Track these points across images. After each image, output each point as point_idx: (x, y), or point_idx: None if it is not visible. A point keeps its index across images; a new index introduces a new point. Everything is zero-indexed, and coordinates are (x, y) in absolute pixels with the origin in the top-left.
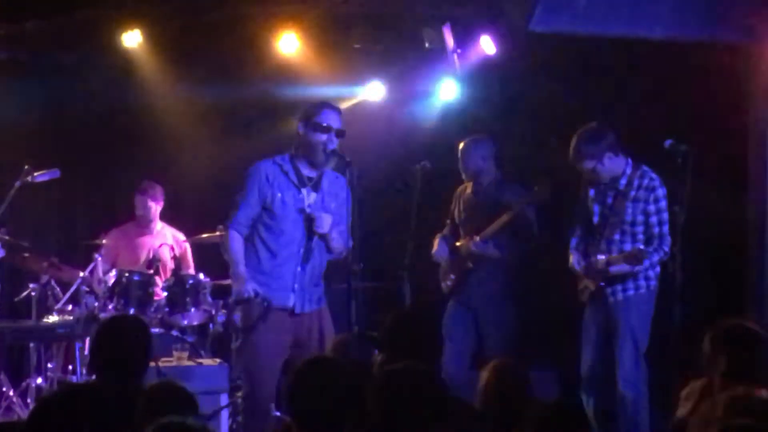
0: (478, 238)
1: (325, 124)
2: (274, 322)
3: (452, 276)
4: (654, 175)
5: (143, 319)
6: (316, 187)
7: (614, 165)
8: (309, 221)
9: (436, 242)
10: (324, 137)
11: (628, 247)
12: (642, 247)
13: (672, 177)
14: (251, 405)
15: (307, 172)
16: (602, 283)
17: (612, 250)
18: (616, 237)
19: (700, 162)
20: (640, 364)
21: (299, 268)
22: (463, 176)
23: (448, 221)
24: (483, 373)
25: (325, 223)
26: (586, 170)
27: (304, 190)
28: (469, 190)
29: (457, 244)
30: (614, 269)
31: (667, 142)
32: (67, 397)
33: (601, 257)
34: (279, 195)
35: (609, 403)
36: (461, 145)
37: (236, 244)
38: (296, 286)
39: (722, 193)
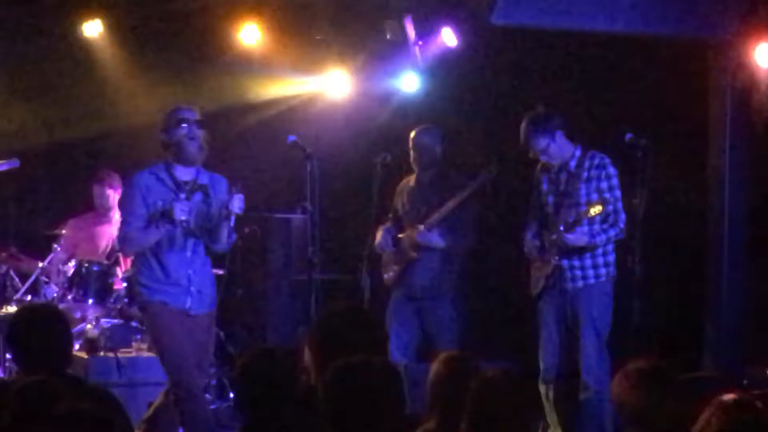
0: (422, 227)
1: (183, 117)
2: (174, 320)
3: (395, 267)
4: (603, 155)
5: (58, 308)
6: (192, 190)
7: (566, 145)
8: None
9: (379, 234)
10: (185, 128)
11: (585, 228)
12: (603, 200)
13: (631, 171)
14: (180, 394)
15: (182, 176)
16: (558, 259)
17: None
18: (571, 219)
19: (659, 156)
20: (603, 354)
21: (191, 271)
22: (414, 165)
23: (390, 215)
24: (432, 365)
25: (237, 204)
26: (539, 150)
27: (181, 196)
28: (412, 182)
29: (400, 235)
30: (571, 237)
31: (627, 136)
32: None
33: (555, 236)
34: (159, 203)
35: (570, 393)
36: (414, 134)
37: (137, 230)
38: (192, 288)
39: (681, 187)
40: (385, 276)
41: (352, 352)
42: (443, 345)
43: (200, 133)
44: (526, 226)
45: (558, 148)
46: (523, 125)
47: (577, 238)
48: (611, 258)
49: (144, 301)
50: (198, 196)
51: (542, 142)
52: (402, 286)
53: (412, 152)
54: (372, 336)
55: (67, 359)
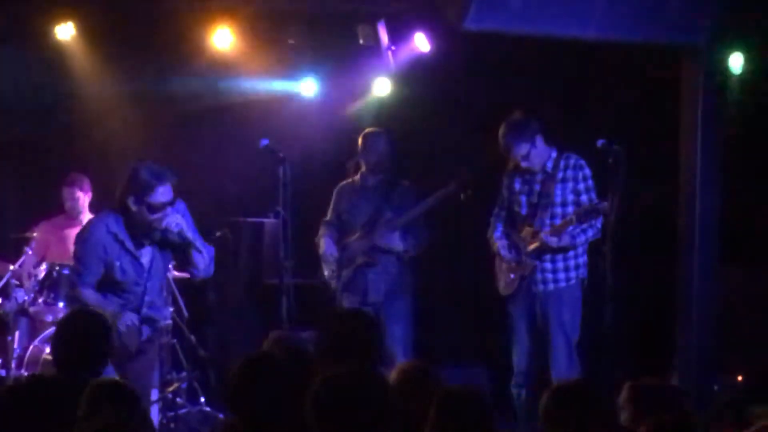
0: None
1: (159, 203)
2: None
3: (343, 272)
4: (578, 156)
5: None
6: (151, 240)
7: (544, 149)
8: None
9: (323, 242)
10: (159, 215)
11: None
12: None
13: (603, 177)
14: None
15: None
16: (534, 260)
17: None
18: (547, 220)
19: (631, 162)
20: (573, 358)
21: (146, 309)
22: (363, 167)
23: (327, 219)
24: (391, 375)
25: (173, 221)
26: (519, 156)
27: (139, 253)
28: (357, 186)
29: (350, 240)
30: (555, 239)
31: (600, 142)
32: (30, 388)
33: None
34: (117, 264)
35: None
36: (365, 136)
37: (92, 295)
38: (144, 327)
39: (653, 193)
40: (334, 282)
41: (363, 356)
42: (395, 344)
43: (170, 212)
44: (493, 226)
45: (538, 153)
46: (502, 133)
47: (561, 239)
48: (582, 260)
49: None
50: (154, 248)
51: (523, 148)
52: (355, 291)
53: (361, 154)
54: (377, 339)
55: (104, 364)
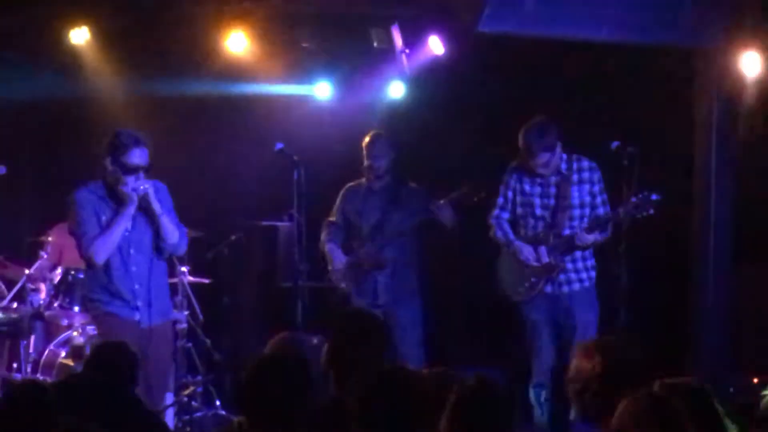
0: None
1: (133, 165)
2: (124, 330)
3: (355, 277)
4: (588, 158)
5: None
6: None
7: (560, 154)
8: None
9: (328, 249)
10: (133, 178)
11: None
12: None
13: (618, 179)
14: None
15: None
16: (558, 262)
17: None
18: (566, 222)
19: (645, 164)
20: None
21: (137, 286)
22: (369, 171)
23: (332, 219)
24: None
25: (140, 185)
26: (541, 164)
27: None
28: (363, 189)
29: (361, 240)
30: (590, 237)
31: (614, 144)
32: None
33: (569, 232)
34: (104, 218)
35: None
36: (370, 139)
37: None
38: (139, 303)
39: (667, 196)
40: (344, 285)
41: (375, 359)
42: (407, 347)
43: (143, 178)
44: (501, 229)
45: (556, 159)
46: (529, 137)
47: (594, 238)
48: (593, 261)
49: (96, 314)
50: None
51: (545, 156)
52: (364, 294)
53: (367, 159)
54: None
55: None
